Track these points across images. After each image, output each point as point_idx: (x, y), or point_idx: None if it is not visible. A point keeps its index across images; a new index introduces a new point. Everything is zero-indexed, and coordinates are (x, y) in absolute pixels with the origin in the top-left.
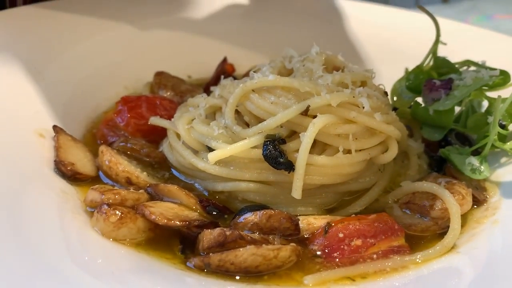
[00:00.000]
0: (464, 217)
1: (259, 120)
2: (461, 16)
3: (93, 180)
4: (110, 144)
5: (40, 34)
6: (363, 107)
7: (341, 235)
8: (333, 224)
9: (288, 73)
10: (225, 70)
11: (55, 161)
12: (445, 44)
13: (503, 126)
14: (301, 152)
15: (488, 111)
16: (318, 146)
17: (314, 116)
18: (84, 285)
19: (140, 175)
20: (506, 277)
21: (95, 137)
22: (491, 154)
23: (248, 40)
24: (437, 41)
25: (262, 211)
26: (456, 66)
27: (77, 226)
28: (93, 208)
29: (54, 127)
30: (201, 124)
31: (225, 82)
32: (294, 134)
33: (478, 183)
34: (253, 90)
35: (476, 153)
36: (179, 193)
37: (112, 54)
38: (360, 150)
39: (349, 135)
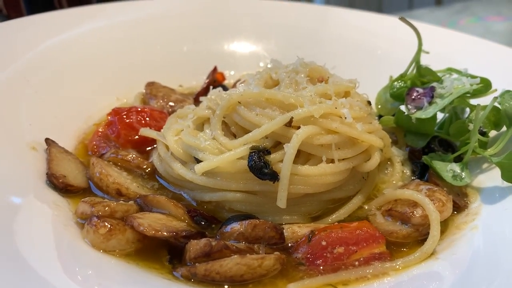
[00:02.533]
0: (445, 223)
1: (246, 131)
2: (453, 18)
3: (84, 191)
4: (101, 156)
5: (31, 45)
6: (345, 118)
7: (324, 243)
8: (316, 233)
9: (275, 84)
10: (215, 79)
11: (47, 173)
12: (427, 53)
13: (483, 133)
14: (285, 163)
15: (470, 118)
16: (302, 156)
17: (298, 127)
18: None
19: (130, 186)
20: (484, 283)
21: (87, 149)
22: (473, 161)
23: (238, 49)
24: (419, 50)
25: (247, 221)
26: (439, 74)
27: (68, 237)
28: (84, 220)
29: (46, 139)
30: (188, 135)
31: (213, 92)
32: (279, 144)
33: (459, 189)
34: (239, 102)
35: (458, 159)
36: (167, 204)
37: (104, 65)
38: (343, 160)
39: (331, 145)
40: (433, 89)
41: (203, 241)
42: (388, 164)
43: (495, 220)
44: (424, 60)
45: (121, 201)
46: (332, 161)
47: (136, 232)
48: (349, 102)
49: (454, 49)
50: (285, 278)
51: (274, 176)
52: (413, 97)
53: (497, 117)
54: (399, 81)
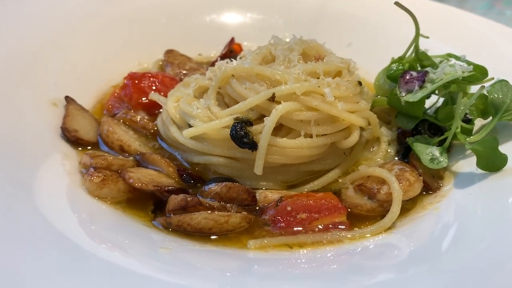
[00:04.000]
0: (413, 202)
1: (236, 102)
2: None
3: (93, 146)
4: (114, 115)
5: (60, 9)
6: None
7: (289, 208)
8: (284, 199)
9: (273, 60)
10: (232, 50)
11: (61, 127)
12: (427, 37)
13: (469, 120)
14: (263, 134)
15: (458, 105)
16: (284, 130)
17: (280, 103)
18: (65, 232)
19: (132, 144)
20: (431, 257)
21: (104, 108)
22: (459, 146)
23: (258, 22)
24: (417, 35)
25: (223, 183)
26: (438, 59)
27: (70, 184)
28: (85, 170)
29: (66, 97)
30: (184, 103)
31: (218, 64)
32: (263, 117)
33: (436, 172)
34: (232, 75)
35: (443, 143)
36: (160, 162)
37: (129, 31)
38: (322, 135)
39: (311, 121)
40: (426, 73)
41: (181, 196)
42: (376, 143)
43: (456, 203)
44: (438, 44)
45: (120, 156)
46: (311, 136)
47: (127, 184)
48: (336, 81)
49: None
50: (249, 235)
51: (252, 146)
52: (406, 80)
53: (486, 106)
54: (397, 64)
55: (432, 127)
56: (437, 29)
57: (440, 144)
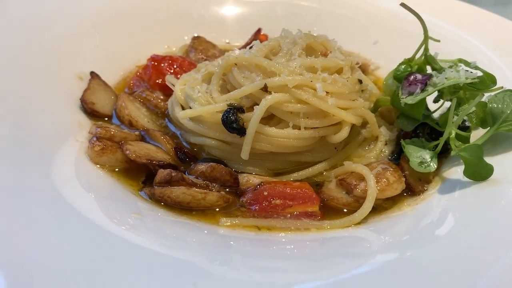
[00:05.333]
0: (394, 202)
1: (235, 89)
2: None
3: (108, 119)
4: (132, 92)
5: None
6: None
7: (266, 193)
8: (263, 184)
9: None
10: (257, 39)
11: (80, 99)
12: (438, 41)
13: (466, 128)
14: (251, 121)
15: (457, 111)
16: (275, 120)
17: None
18: (60, 189)
19: (140, 120)
20: (387, 256)
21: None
22: None
23: (287, 14)
24: (426, 38)
25: (209, 164)
26: (448, 63)
27: (78, 150)
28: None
29: (91, 72)
30: (189, 86)
31: (227, 53)
32: (256, 106)
33: (424, 175)
34: (235, 64)
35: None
36: (160, 139)
37: (162, 16)
38: (311, 128)
39: (300, 113)
40: (429, 77)
41: (167, 170)
42: (374, 142)
43: (431, 208)
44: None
45: (125, 130)
46: (300, 127)
47: (124, 155)
48: (333, 77)
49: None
50: (225, 214)
51: (241, 131)
52: (409, 82)
53: (485, 115)
54: (405, 65)
55: (433, 132)
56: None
57: (435, 148)
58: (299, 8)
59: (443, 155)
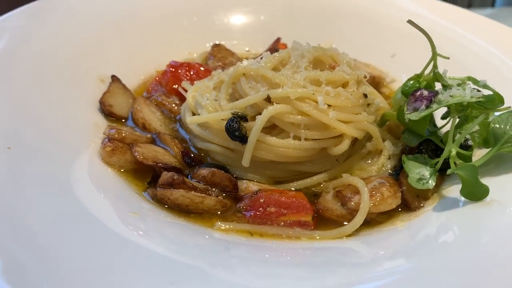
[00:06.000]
0: (389, 216)
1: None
2: None
3: (125, 121)
4: (150, 97)
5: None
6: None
7: (262, 200)
8: (261, 191)
9: None
10: (276, 49)
11: (99, 101)
12: (447, 58)
13: (468, 147)
14: (253, 130)
15: (461, 130)
16: (277, 130)
17: None
18: (71, 183)
19: (153, 123)
20: (370, 268)
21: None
22: None
23: (308, 26)
24: (434, 54)
25: (211, 169)
26: (457, 80)
27: (91, 149)
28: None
29: (112, 76)
30: (199, 93)
31: (238, 63)
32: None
33: (422, 192)
34: (244, 74)
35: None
36: (170, 142)
37: (186, 23)
38: (312, 140)
39: (300, 124)
40: (435, 94)
41: (170, 173)
42: (378, 155)
43: (422, 224)
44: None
45: (137, 132)
46: (300, 138)
47: (133, 156)
48: (336, 91)
49: None
50: (221, 218)
51: (243, 139)
52: (415, 97)
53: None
54: (413, 81)
55: (438, 149)
56: None
57: (436, 166)
58: (319, 19)
59: (444, 172)
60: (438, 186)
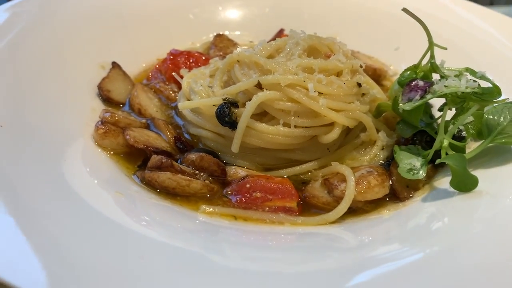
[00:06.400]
0: (376, 206)
1: None
2: None
3: (122, 106)
4: (149, 83)
5: None
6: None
7: (248, 185)
8: (248, 177)
9: None
10: None
11: (97, 86)
12: (445, 48)
13: (461, 138)
14: (242, 116)
15: (454, 121)
16: (268, 117)
17: None
18: (61, 165)
19: (148, 109)
20: (354, 256)
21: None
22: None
23: (312, 16)
24: (431, 44)
25: (199, 154)
26: (455, 72)
27: (85, 133)
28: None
29: (113, 62)
30: (194, 80)
31: (240, 48)
32: None
33: (413, 182)
34: (238, 61)
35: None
36: (163, 127)
37: (189, 13)
38: (302, 127)
39: (290, 111)
40: (430, 84)
41: (158, 157)
42: (371, 146)
43: (408, 215)
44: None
45: (131, 117)
46: (290, 125)
47: (126, 139)
48: (328, 79)
49: None
50: (207, 202)
51: (232, 125)
52: (410, 88)
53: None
54: (410, 71)
55: (432, 140)
56: None
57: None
58: (324, 10)
59: (439, 164)
60: (430, 178)
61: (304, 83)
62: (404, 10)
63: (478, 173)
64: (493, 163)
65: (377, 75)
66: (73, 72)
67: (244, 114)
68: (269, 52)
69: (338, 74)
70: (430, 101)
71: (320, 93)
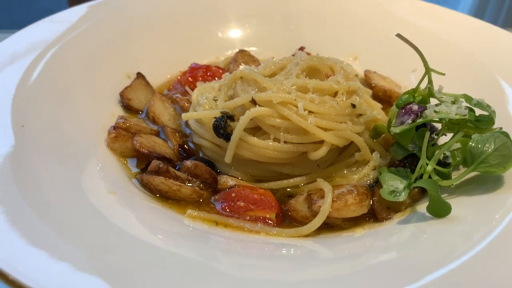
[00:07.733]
0: (355, 223)
1: None
2: None
3: (141, 113)
4: (169, 94)
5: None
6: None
7: (233, 195)
8: (235, 187)
9: None
10: None
11: (119, 93)
12: (443, 74)
13: (447, 164)
14: (236, 129)
15: (444, 146)
16: (261, 131)
17: None
18: (76, 165)
19: (161, 117)
20: (317, 270)
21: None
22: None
23: (335, 36)
24: (427, 70)
25: (195, 162)
26: (450, 97)
27: (101, 136)
28: None
29: (138, 73)
30: (201, 93)
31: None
32: None
33: (394, 204)
34: (241, 77)
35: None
36: (170, 135)
37: (217, 29)
38: (291, 143)
39: (280, 127)
40: (423, 109)
41: (157, 162)
42: (364, 166)
43: (378, 234)
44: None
45: (143, 124)
46: (280, 141)
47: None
48: (321, 99)
49: None
50: (195, 207)
51: (226, 137)
52: (405, 111)
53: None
54: (408, 95)
55: None
56: None
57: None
58: (347, 30)
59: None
60: (416, 201)
61: (295, 102)
62: (398, 35)
63: (461, 200)
64: (477, 191)
65: (387, 96)
66: (101, 79)
67: (237, 128)
68: (273, 70)
69: (336, 94)
70: (436, 126)
71: (310, 112)
